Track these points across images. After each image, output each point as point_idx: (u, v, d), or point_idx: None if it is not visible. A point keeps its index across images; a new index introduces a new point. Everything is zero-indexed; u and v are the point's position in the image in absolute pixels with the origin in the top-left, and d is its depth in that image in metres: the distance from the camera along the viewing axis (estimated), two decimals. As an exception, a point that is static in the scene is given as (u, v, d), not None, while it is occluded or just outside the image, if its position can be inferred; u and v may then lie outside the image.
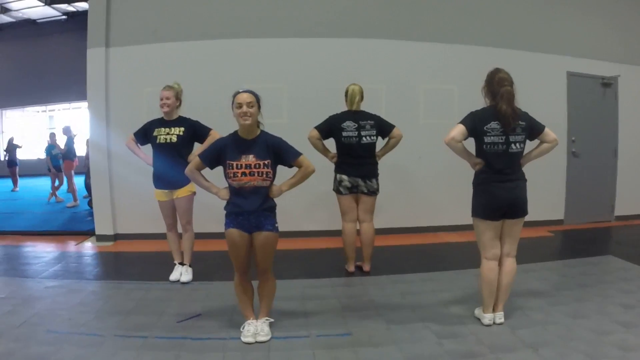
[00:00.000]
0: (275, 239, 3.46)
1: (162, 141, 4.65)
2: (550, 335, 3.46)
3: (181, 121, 4.72)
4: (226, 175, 3.36)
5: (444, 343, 3.40)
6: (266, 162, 3.31)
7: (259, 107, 3.39)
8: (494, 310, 3.68)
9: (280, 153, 3.40)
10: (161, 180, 4.74)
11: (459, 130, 3.48)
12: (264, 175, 3.31)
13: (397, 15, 6.90)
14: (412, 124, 6.78)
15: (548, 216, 7.31)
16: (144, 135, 4.79)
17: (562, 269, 5.21)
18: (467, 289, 4.45)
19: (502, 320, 3.66)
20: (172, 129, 4.67)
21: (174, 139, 4.63)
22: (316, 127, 4.92)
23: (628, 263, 5.27)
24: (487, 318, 3.65)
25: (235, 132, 3.43)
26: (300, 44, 6.75)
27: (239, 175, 3.29)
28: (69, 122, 14.32)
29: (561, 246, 6.65)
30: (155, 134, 4.69)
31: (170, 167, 4.61)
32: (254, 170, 3.29)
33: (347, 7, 6.84)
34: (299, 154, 3.46)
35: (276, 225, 3.45)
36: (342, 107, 5.02)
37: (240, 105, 3.29)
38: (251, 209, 3.33)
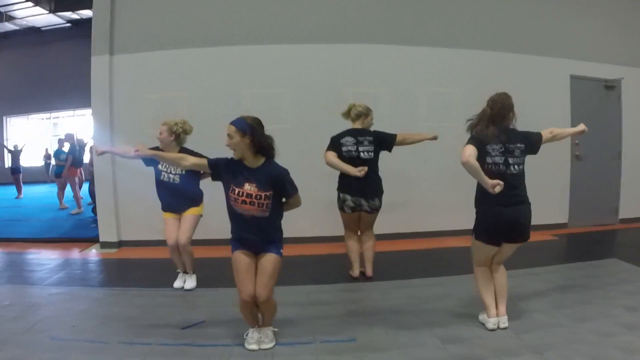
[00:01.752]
0: (280, 263, 3.39)
1: (165, 179, 4.69)
2: (555, 339, 3.45)
3: None
4: (228, 197, 3.33)
5: (449, 347, 3.39)
6: (267, 193, 3.26)
7: (253, 134, 3.24)
8: (497, 314, 3.68)
9: (281, 187, 3.34)
10: (168, 209, 4.80)
11: (471, 149, 3.44)
12: (264, 207, 3.27)
13: (398, 20, 6.92)
14: (414, 127, 6.71)
15: (552, 220, 7.30)
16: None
17: (567, 272, 5.20)
18: (471, 293, 4.42)
19: (506, 324, 3.65)
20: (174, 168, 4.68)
21: (177, 179, 4.67)
22: (328, 149, 4.93)
23: (632, 265, 5.25)
24: (491, 322, 3.65)
25: (241, 159, 3.37)
26: (303, 50, 6.77)
27: (239, 202, 3.27)
28: (73, 129, 14.30)
29: (565, 249, 6.63)
30: (159, 167, 4.69)
31: (176, 201, 4.72)
32: (255, 200, 3.25)
33: (349, 13, 6.87)
34: (296, 190, 3.41)
35: (281, 250, 3.41)
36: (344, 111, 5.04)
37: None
38: (254, 239, 3.32)
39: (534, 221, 3.63)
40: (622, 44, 7.70)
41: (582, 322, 3.74)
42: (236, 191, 3.27)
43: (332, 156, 4.86)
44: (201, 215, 4.85)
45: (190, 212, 4.76)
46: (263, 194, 3.25)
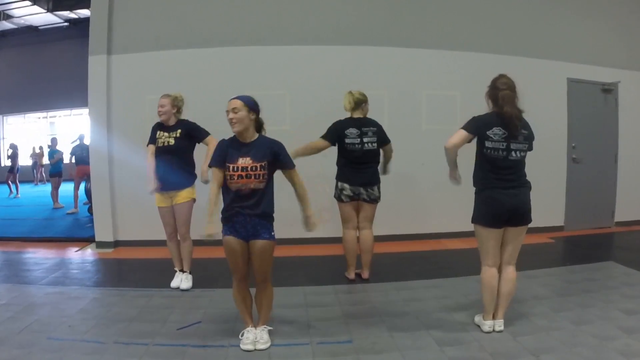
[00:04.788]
0: (272, 247, 3.43)
1: (161, 144, 4.72)
2: (554, 342, 3.45)
3: (179, 124, 4.78)
4: (225, 179, 3.36)
5: (447, 350, 3.39)
6: (262, 164, 3.31)
7: (257, 112, 3.42)
8: (494, 317, 3.67)
9: (279, 156, 3.40)
10: (161, 182, 4.72)
11: (461, 135, 3.50)
12: (260, 178, 3.31)
13: (399, 23, 6.93)
14: (415, 130, 6.79)
15: (548, 222, 7.29)
16: (154, 140, 4.83)
17: (564, 275, 5.20)
18: (470, 296, 4.43)
19: (502, 328, 3.64)
20: (171, 132, 4.75)
21: (172, 141, 4.70)
22: (323, 137, 4.90)
23: (630, 269, 5.26)
24: (487, 325, 3.64)
25: (234, 136, 3.45)
26: (302, 52, 6.77)
27: (236, 177, 3.29)
28: (83, 130, 14.14)
29: (562, 252, 6.64)
30: (157, 136, 4.77)
31: (169, 169, 4.68)
32: (251, 172, 3.29)
33: (350, 15, 6.87)
34: (294, 165, 3.49)
35: (273, 233, 3.43)
36: (344, 114, 5.03)
37: (227, 112, 3.36)
38: (249, 212, 3.32)
39: (531, 224, 3.62)
40: (619, 47, 7.72)
41: (580, 325, 3.74)
42: (231, 167, 3.30)
43: (320, 147, 4.87)
44: (194, 200, 4.82)
45: (183, 198, 4.74)
46: (258, 165, 3.31)
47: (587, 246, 6.75)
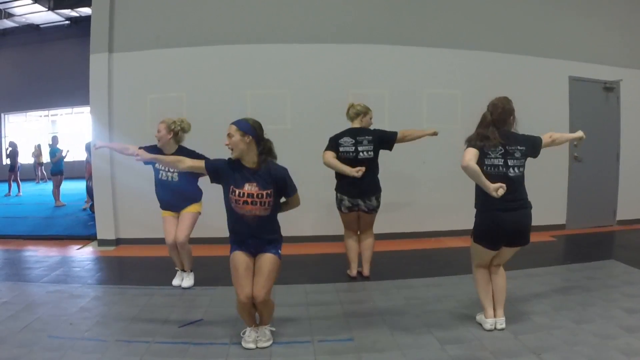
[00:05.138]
0: (278, 264, 3.40)
1: (164, 178, 4.67)
2: (555, 340, 3.45)
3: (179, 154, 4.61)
4: (228, 199, 3.35)
5: (448, 348, 3.38)
6: (268, 191, 3.30)
7: (254, 135, 3.32)
8: (495, 316, 3.68)
9: (282, 186, 3.39)
10: (167, 207, 4.80)
11: (470, 151, 3.42)
12: (266, 205, 3.31)
13: (400, 21, 6.92)
14: (415, 128, 6.77)
15: (550, 221, 7.28)
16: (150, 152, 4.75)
17: (566, 273, 5.19)
18: (470, 294, 4.41)
19: (503, 325, 3.65)
20: None
21: (176, 177, 4.64)
22: (326, 149, 4.90)
23: (631, 267, 5.25)
24: (488, 323, 3.65)
25: (239, 160, 3.39)
26: (303, 50, 6.76)
27: (241, 203, 3.29)
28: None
29: (564, 251, 6.64)
30: (157, 166, 4.65)
31: (175, 200, 4.73)
32: (257, 200, 3.28)
33: (350, 13, 6.86)
34: (296, 190, 3.49)
35: (280, 252, 3.43)
36: (344, 112, 5.03)
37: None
38: (254, 240, 3.34)
39: (533, 222, 3.63)
40: (621, 46, 7.70)
41: (581, 324, 3.74)
42: (237, 192, 3.29)
43: (330, 156, 4.84)
44: (199, 213, 4.84)
45: (189, 210, 4.76)
46: (264, 193, 3.28)
47: (589, 245, 6.74)
